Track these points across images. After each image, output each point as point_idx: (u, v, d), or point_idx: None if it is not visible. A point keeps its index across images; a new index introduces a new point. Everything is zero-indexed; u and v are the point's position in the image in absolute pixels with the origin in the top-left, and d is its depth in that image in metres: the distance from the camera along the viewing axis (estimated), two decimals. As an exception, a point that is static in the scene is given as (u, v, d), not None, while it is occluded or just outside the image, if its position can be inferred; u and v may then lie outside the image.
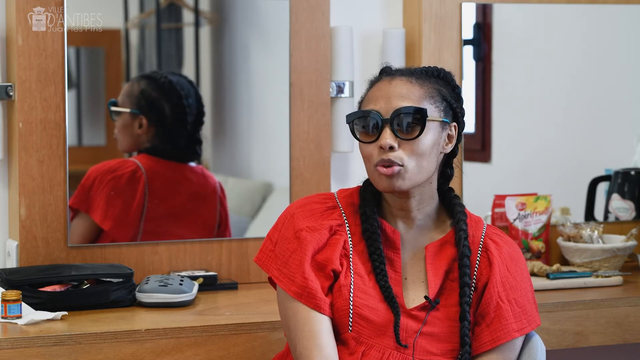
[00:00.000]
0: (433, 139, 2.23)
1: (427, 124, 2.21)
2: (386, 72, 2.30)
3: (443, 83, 2.29)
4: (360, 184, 2.33)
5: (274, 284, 2.32)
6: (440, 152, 2.27)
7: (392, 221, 2.29)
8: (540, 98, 3.50)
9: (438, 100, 2.25)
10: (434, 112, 2.23)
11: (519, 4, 3.34)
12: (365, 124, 2.23)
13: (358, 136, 2.25)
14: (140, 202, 3.04)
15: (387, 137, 2.20)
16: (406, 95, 2.22)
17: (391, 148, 2.20)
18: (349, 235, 2.27)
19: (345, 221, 2.28)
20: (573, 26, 3.51)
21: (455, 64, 3.21)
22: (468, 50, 3.33)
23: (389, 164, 2.20)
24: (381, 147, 2.20)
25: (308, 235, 2.24)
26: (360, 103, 2.30)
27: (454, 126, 2.29)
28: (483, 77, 3.42)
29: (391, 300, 2.21)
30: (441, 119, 2.24)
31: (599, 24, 3.52)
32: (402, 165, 2.20)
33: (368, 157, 2.24)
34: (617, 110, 3.59)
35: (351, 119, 2.26)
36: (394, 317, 2.21)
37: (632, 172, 3.49)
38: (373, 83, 2.30)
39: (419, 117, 2.20)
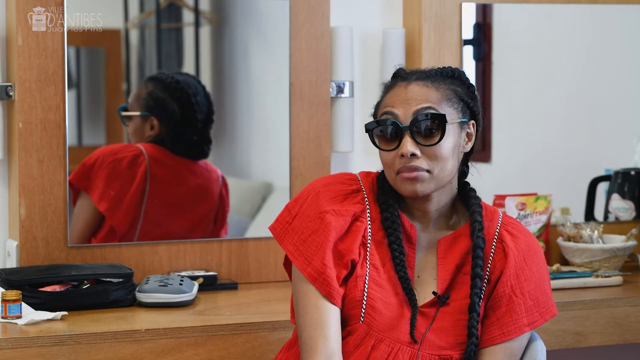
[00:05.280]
0: (453, 141, 2.23)
1: (447, 127, 2.20)
2: (401, 77, 2.27)
3: (458, 82, 2.28)
4: (379, 171, 2.32)
5: (287, 267, 2.31)
6: (461, 152, 2.27)
7: (409, 216, 2.29)
8: (540, 98, 3.49)
9: (455, 101, 2.24)
10: (452, 114, 2.22)
11: (519, 4, 3.34)
12: (384, 132, 2.22)
13: (377, 144, 2.24)
14: (140, 188, 3.04)
15: (408, 145, 2.19)
16: (423, 100, 2.21)
17: (413, 155, 2.19)
18: (369, 223, 2.26)
19: (367, 207, 2.27)
20: (573, 26, 3.51)
21: (455, 64, 3.21)
22: (468, 50, 3.33)
23: (414, 169, 2.19)
24: (403, 155, 2.20)
25: (333, 219, 2.22)
26: (377, 108, 2.29)
27: (472, 124, 2.28)
28: (483, 77, 3.42)
29: (409, 292, 2.21)
30: (459, 120, 2.24)
31: (599, 24, 3.52)
32: (428, 171, 2.20)
33: (389, 164, 2.23)
34: (617, 110, 3.59)
35: (370, 128, 2.24)
36: (411, 309, 2.21)
37: (632, 172, 3.49)
38: (388, 88, 2.28)
39: (438, 122, 2.20)
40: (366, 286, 2.21)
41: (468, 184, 2.35)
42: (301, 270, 2.21)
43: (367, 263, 2.23)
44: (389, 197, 2.26)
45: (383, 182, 2.29)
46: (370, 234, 2.25)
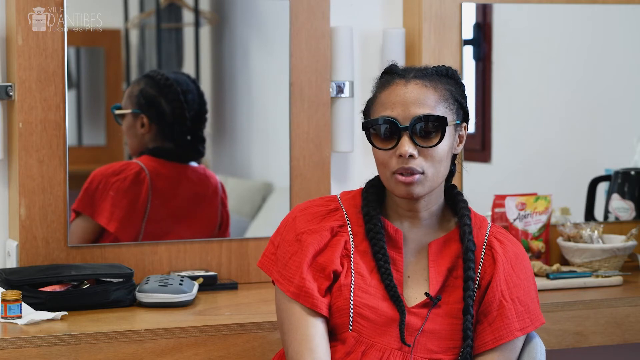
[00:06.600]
0: (449, 143, 2.23)
1: (445, 129, 2.20)
2: (398, 74, 2.26)
3: (453, 82, 2.28)
4: (363, 186, 2.33)
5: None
6: (452, 153, 2.27)
7: (396, 220, 2.29)
8: (540, 98, 3.50)
9: (451, 102, 2.24)
10: (448, 115, 2.22)
11: (519, 4, 3.34)
12: (382, 131, 2.22)
13: (373, 142, 2.24)
14: (143, 203, 3.04)
15: (407, 146, 2.19)
16: (423, 101, 2.21)
17: (410, 156, 2.19)
18: (351, 235, 2.27)
19: (347, 221, 2.28)
20: (573, 26, 3.51)
21: (455, 64, 3.21)
22: (468, 50, 3.33)
23: (410, 172, 2.19)
24: (400, 156, 2.20)
25: (309, 237, 2.24)
26: (371, 105, 2.28)
27: (465, 126, 2.29)
28: (483, 77, 3.42)
29: (397, 300, 2.21)
30: (455, 122, 2.24)
31: (599, 24, 3.52)
32: (422, 173, 2.20)
33: (384, 163, 2.22)
34: (617, 110, 3.59)
35: (368, 126, 2.24)
36: (400, 315, 2.21)
37: (632, 172, 3.49)
38: (385, 85, 2.26)
39: (438, 125, 2.20)
40: (352, 294, 2.22)
41: (455, 187, 2.35)
42: (285, 292, 2.23)
43: (352, 272, 2.23)
44: (370, 208, 2.27)
45: (367, 194, 2.29)
46: (353, 245, 2.26)
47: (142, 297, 2.71)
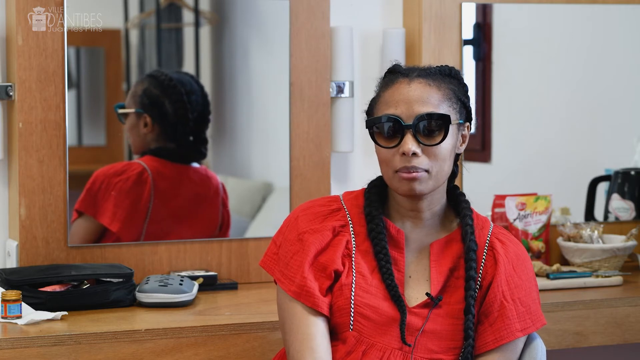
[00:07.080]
0: (452, 142, 2.23)
1: (449, 128, 2.20)
2: (402, 73, 2.27)
3: (456, 82, 2.28)
4: (365, 186, 2.33)
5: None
6: (455, 153, 2.27)
7: (398, 220, 2.29)
8: (540, 98, 3.50)
9: (454, 101, 2.24)
10: (452, 114, 2.22)
11: (519, 4, 3.34)
12: (385, 129, 2.22)
13: (377, 140, 2.24)
14: (145, 204, 3.05)
15: (410, 144, 2.19)
16: (426, 99, 2.21)
17: (414, 154, 2.19)
18: (353, 235, 2.27)
19: (349, 221, 2.28)
20: (573, 26, 3.51)
21: (455, 64, 3.21)
22: (468, 50, 3.33)
23: (413, 170, 2.19)
24: (404, 154, 2.20)
25: (310, 237, 2.24)
26: (374, 104, 2.28)
27: (467, 126, 2.29)
28: (483, 77, 3.42)
29: (398, 299, 2.21)
30: (458, 121, 2.24)
31: (599, 24, 3.52)
32: (425, 171, 2.20)
33: (387, 161, 2.22)
34: (617, 110, 3.59)
35: (372, 124, 2.24)
36: (400, 315, 2.21)
37: (632, 172, 3.49)
38: (388, 84, 2.27)
39: (441, 123, 2.20)
40: (353, 294, 2.22)
41: (457, 187, 2.35)
42: (286, 291, 2.24)
43: (353, 272, 2.24)
44: (372, 209, 2.27)
45: (370, 194, 2.29)
46: (354, 245, 2.26)
47: (142, 297, 2.71)
